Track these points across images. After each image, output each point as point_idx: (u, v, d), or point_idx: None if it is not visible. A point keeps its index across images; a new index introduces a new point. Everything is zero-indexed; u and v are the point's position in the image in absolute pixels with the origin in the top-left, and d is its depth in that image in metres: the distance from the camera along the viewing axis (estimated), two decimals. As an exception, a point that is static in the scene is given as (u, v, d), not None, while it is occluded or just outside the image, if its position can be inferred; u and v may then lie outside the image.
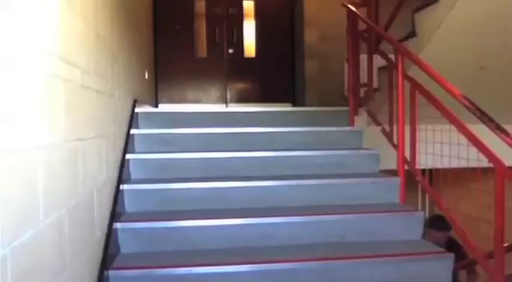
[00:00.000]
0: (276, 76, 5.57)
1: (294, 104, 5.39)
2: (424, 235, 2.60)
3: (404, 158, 2.79)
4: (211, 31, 5.50)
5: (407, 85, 2.73)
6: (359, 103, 3.55)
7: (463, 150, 2.43)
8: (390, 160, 2.88)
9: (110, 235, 2.14)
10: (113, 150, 2.34)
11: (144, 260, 2.16)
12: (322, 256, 2.23)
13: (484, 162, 2.11)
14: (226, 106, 5.47)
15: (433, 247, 2.44)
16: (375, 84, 3.57)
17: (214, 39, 5.49)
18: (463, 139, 2.27)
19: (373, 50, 3.40)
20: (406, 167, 2.78)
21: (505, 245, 2.10)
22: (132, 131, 2.93)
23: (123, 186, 2.50)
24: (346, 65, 3.93)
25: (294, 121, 3.40)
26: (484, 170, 2.27)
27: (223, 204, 2.61)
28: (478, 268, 3.09)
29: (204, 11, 5.52)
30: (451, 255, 2.27)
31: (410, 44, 3.14)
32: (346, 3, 3.59)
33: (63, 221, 1.47)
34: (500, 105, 3.20)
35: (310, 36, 5.35)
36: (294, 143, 3.21)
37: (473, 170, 2.78)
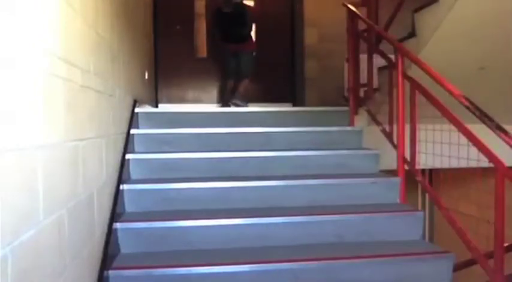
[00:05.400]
0: (276, 76, 5.57)
1: (294, 104, 5.39)
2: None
3: (404, 158, 2.79)
4: (211, 31, 5.49)
5: (407, 85, 2.73)
6: (359, 103, 3.55)
7: (463, 150, 2.43)
8: (390, 160, 2.88)
9: (110, 235, 2.14)
10: (112, 150, 2.34)
11: (144, 260, 2.16)
12: (322, 256, 2.23)
13: (484, 162, 2.11)
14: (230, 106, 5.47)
15: (433, 247, 2.43)
16: (375, 84, 3.57)
17: (214, 39, 5.48)
18: (463, 139, 2.27)
19: (373, 49, 3.40)
20: (406, 167, 2.79)
21: (505, 245, 2.10)
22: (132, 131, 2.93)
23: (123, 186, 2.50)
24: (346, 65, 3.93)
25: (294, 121, 3.40)
26: (484, 170, 2.27)
27: (223, 204, 2.61)
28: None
29: (204, 11, 5.51)
30: (451, 255, 2.27)
31: (410, 44, 3.14)
32: (346, 3, 3.59)
33: (63, 221, 1.47)
34: (500, 105, 3.20)
35: (310, 36, 5.35)
36: (294, 143, 3.21)
37: (473, 170, 2.78)
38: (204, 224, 2.37)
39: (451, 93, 2.32)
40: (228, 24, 4.69)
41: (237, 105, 4.57)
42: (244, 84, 4.84)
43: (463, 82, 2.54)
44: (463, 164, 2.54)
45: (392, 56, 2.95)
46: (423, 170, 2.88)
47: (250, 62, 4.85)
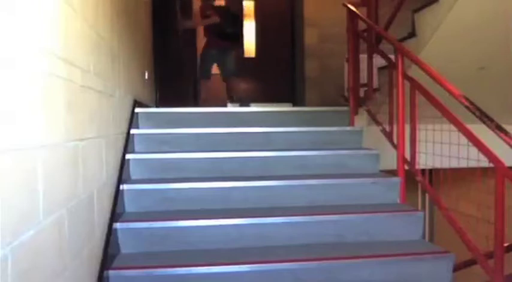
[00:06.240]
0: (276, 76, 5.58)
1: (294, 104, 5.39)
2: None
3: (404, 158, 2.79)
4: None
5: (407, 85, 2.73)
6: (359, 103, 3.55)
7: (463, 150, 2.43)
8: (390, 160, 2.88)
9: (110, 235, 2.14)
10: (112, 150, 2.34)
11: (144, 260, 2.16)
12: (322, 256, 2.23)
13: (484, 162, 2.11)
14: (226, 106, 5.47)
15: (433, 247, 2.43)
16: (375, 84, 3.57)
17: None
18: (463, 139, 2.27)
19: (373, 50, 3.40)
20: (406, 167, 2.78)
21: (505, 245, 2.10)
22: (132, 131, 2.93)
23: (123, 186, 2.50)
24: (346, 65, 3.93)
25: (294, 121, 3.40)
26: (484, 170, 2.27)
27: (224, 204, 2.61)
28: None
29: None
30: (451, 255, 2.27)
31: (410, 44, 3.15)
32: (346, 3, 3.59)
33: (63, 221, 1.47)
34: (500, 105, 3.20)
35: (310, 36, 5.36)
36: (294, 143, 3.21)
37: (473, 170, 2.77)
38: (204, 224, 2.37)
39: (451, 93, 2.32)
40: (232, 22, 4.89)
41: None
42: (236, 85, 4.98)
43: (463, 82, 2.54)
44: (463, 164, 2.54)
45: (392, 56, 2.95)
46: (423, 170, 2.88)
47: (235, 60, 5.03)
